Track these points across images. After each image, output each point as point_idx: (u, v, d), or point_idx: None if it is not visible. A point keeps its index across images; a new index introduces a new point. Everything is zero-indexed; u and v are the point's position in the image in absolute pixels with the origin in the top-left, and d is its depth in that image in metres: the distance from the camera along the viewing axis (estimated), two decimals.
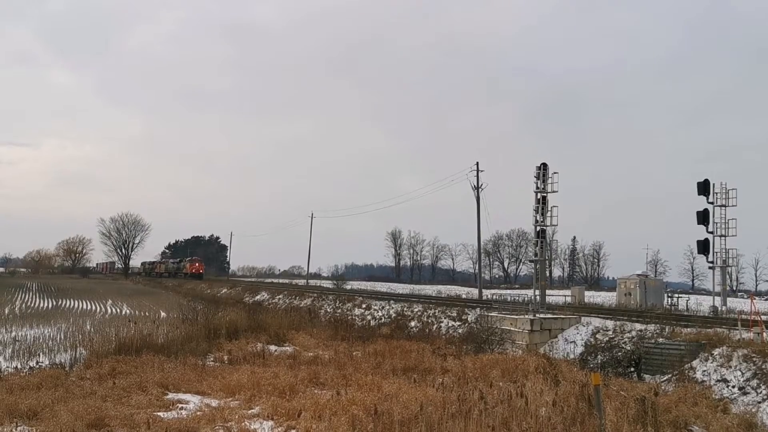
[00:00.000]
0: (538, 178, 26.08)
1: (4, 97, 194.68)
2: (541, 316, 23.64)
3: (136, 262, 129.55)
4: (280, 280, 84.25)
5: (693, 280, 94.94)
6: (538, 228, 26.33)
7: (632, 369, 17.83)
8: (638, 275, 36.93)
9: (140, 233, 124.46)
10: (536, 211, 26.03)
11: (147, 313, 32.23)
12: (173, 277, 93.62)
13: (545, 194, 25.97)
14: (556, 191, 26.04)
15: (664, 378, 16.36)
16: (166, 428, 9.93)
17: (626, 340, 19.95)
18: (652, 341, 18.96)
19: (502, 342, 21.77)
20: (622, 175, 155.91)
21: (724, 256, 31.36)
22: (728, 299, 33.28)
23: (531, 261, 36.84)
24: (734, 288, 73.37)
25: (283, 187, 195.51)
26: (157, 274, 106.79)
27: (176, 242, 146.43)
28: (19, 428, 10.00)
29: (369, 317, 31.98)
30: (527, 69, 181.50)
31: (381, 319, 31.06)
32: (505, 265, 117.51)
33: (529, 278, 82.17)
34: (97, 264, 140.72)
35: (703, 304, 32.17)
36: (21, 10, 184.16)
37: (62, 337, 21.51)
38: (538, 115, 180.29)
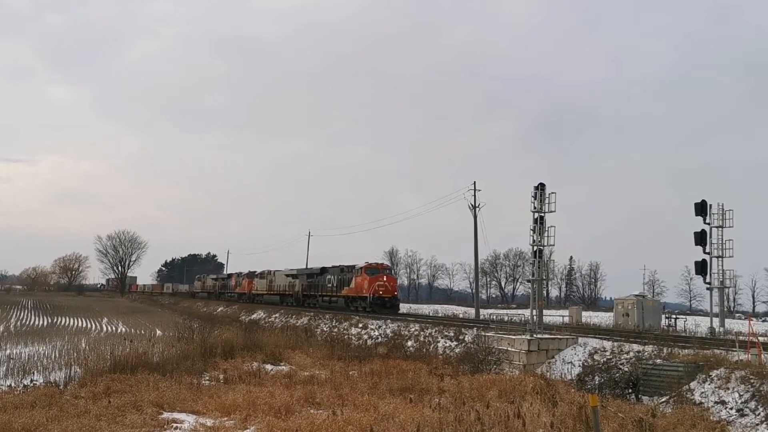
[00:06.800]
0: (535, 198, 26.12)
1: (2, 112, 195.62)
2: (539, 336, 23.55)
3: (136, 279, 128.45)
4: None
5: (690, 301, 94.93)
6: (535, 248, 26.30)
7: (630, 390, 17.72)
8: (636, 296, 36.81)
9: (137, 251, 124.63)
10: (533, 231, 26.04)
11: (143, 332, 32.08)
12: (300, 304, 47.98)
13: (542, 214, 26.00)
14: (554, 211, 26.05)
15: (662, 400, 16.27)
16: None
17: (624, 361, 19.85)
18: (650, 362, 18.87)
19: (499, 362, 21.66)
20: (619, 195, 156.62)
21: (721, 277, 31.36)
22: (726, 320, 33.19)
23: (528, 281, 36.77)
24: (732, 309, 73.24)
25: (279, 204, 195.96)
26: (250, 298, 59.49)
27: (173, 260, 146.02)
28: None
29: (365, 336, 31.82)
30: (525, 86, 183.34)
31: (377, 338, 30.90)
32: (503, 284, 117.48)
33: (526, 298, 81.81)
34: (108, 280, 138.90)
35: (700, 325, 32.14)
36: (20, 25, 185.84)
37: (57, 355, 21.39)
38: (536, 134, 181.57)
